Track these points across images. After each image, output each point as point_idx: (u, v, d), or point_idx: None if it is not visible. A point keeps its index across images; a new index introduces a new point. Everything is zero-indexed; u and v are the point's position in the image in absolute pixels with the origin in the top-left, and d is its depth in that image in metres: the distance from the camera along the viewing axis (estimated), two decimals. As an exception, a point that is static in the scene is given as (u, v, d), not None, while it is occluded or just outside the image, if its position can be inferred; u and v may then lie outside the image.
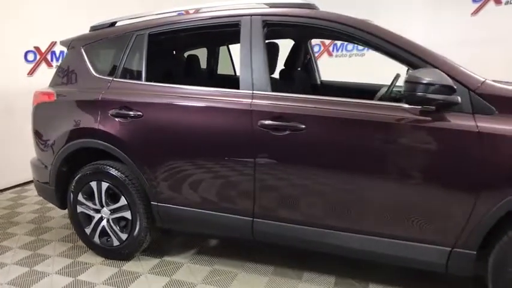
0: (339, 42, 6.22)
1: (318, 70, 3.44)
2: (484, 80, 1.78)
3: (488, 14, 5.09)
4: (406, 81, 1.70)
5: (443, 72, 1.76)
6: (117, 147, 2.42)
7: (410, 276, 2.32)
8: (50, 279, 2.44)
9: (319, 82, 3.46)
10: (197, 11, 2.57)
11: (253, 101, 2.10)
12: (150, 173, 2.36)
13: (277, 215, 2.14)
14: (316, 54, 5.93)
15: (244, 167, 2.13)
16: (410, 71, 1.81)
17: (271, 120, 2.03)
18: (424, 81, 1.66)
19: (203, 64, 3.60)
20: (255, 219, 2.19)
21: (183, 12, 2.60)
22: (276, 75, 2.89)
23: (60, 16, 4.38)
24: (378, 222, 1.95)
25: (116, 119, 2.41)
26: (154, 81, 2.45)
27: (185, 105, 2.27)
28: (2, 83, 4.07)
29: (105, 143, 2.45)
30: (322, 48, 6.40)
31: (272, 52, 2.55)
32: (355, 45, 6.12)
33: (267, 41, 2.51)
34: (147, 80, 2.46)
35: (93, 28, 2.77)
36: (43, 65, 4.48)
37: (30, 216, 3.50)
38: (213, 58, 3.69)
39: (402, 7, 5.59)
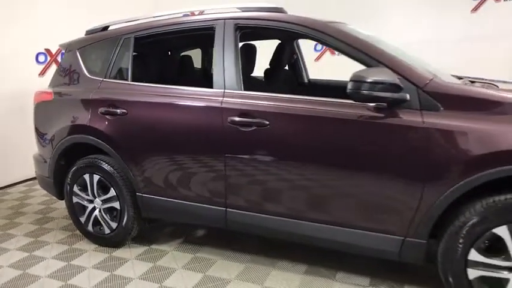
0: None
1: (305, 69, 3.56)
2: (432, 77, 1.88)
3: (488, 10, 5.07)
4: (350, 80, 1.81)
5: (394, 70, 1.88)
6: (105, 143, 2.63)
7: (381, 265, 2.43)
8: (47, 263, 2.68)
9: (306, 81, 3.57)
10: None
11: (224, 99, 2.26)
12: (134, 167, 2.56)
13: (247, 206, 2.29)
14: (318, 53, 6.06)
15: (217, 161, 2.29)
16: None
17: (239, 117, 2.18)
18: (369, 80, 1.77)
19: (197, 64, 3.80)
20: (227, 210, 2.35)
21: (188, 13, 2.75)
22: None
23: (70, 19, 4.64)
24: (336, 212, 2.07)
25: (105, 117, 2.61)
26: (139, 81, 2.64)
27: (163, 103, 2.45)
28: (15, 83, 4.37)
29: (96, 139, 2.66)
30: (324, 47, 6.47)
31: (249, 53, 2.69)
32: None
33: (246, 43, 2.68)
34: (132, 80, 2.66)
35: (88, 32, 2.99)
36: (53, 66, 4.76)
37: (37, 207, 3.77)
38: (206, 58, 3.86)
39: (402, 5, 5.60)
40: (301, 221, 2.16)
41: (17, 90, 4.38)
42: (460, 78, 2.44)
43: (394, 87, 1.80)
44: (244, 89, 2.29)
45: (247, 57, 2.64)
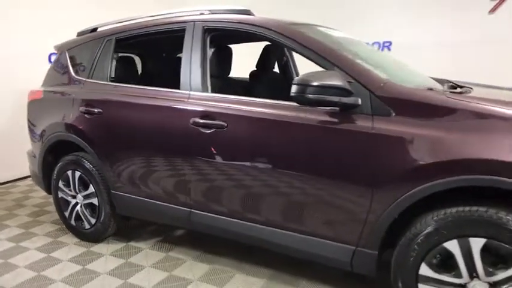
0: (353, 43, 6.16)
1: (296, 71, 3.51)
2: (386, 82, 1.80)
3: (506, 11, 4.79)
4: (294, 84, 1.76)
5: (348, 74, 1.81)
6: (84, 141, 2.72)
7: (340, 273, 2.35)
8: (29, 254, 2.80)
9: (297, 83, 3.51)
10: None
11: (189, 100, 2.27)
12: (108, 165, 2.63)
13: (208, 207, 2.29)
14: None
15: (181, 162, 2.31)
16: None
17: (201, 118, 2.19)
18: (314, 84, 1.72)
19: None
20: (191, 210, 2.36)
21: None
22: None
23: (82, 20, 4.83)
24: (291, 218, 2.03)
25: (85, 116, 2.70)
26: (117, 82, 2.70)
27: (133, 103, 2.50)
28: (27, 82, 4.58)
29: (76, 137, 2.76)
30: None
31: (223, 56, 2.69)
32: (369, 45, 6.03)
33: (220, 45, 2.68)
34: (111, 81, 2.73)
35: (79, 33, 3.10)
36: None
37: (37, 200, 3.95)
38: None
39: (416, 6, 5.41)
40: (257, 225, 2.13)
41: (30, 89, 4.61)
42: (442, 82, 2.33)
43: (343, 92, 1.74)
44: (219, 91, 2.29)
45: (221, 59, 2.64)
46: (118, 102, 2.56)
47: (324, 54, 1.92)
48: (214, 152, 2.17)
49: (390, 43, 5.89)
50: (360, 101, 1.77)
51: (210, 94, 2.25)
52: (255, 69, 3.24)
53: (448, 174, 1.59)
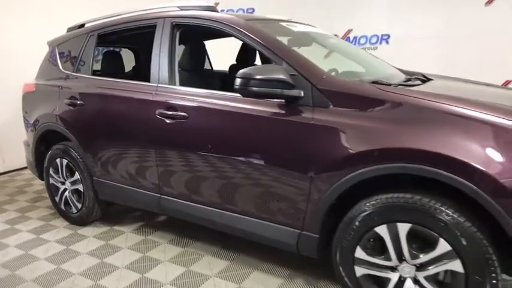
0: (351, 36, 6.17)
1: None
2: (326, 74, 1.90)
3: (502, 3, 4.73)
4: (237, 77, 1.88)
5: (293, 67, 1.92)
6: (69, 131, 2.92)
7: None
8: (19, 236, 3.04)
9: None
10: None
11: (156, 93, 2.42)
12: (90, 153, 2.82)
13: (175, 194, 2.44)
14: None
15: (150, 150, 2.47)
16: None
17: (165, 110, 2.33)
18: (256, 77, 1.83)
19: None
20: (160, 196, 2.52)
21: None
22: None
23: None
24: (244, 203, 2.16)
25: (69, 107, 2.90)
26: (98, 75, 2.88)
27: (108, 95, 2.68)
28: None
29: (62, 127, 2.96)
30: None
31: (196, 50, 2.82)
32: (368, 39, 6.05)
33: (192, 40, 2.82)
34: (92, 74, 2.91)
35: (68, 29, 3.30)
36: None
37: (38, 187, 4.21)
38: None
39: (415, -1, 5.39)
40: (217, 210, 2.27)
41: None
42: (412, 75, 2.42)
43: (285, 84, 1.85)
44: (190, 84, 2.41)
45: (193, 54, 2.77)
46: (95, 94, 2.75)
47: (272, 48, 2.03)
48: (177, 141, 2.32)
49: (388, 36, 5.88)
50: (302, 94, 1.88)
51: (175, 87, 2.40)
52: (235, 63, 3.37)
53: (374, 162, 1.69)
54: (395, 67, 2.96)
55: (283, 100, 1.93)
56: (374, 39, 6.02)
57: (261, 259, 2.52)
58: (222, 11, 6.24)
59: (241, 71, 1.87)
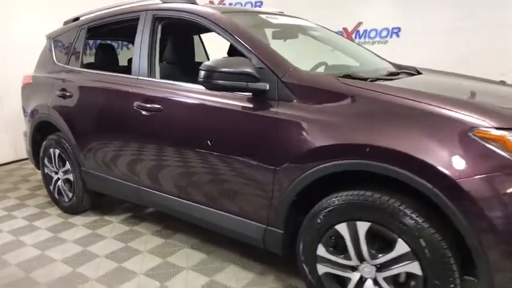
0: (361, 30, 6.02)
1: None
2: (292, 68, 1.85)
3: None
4: (201, 69, 1.85)
5: (260, 59, 1.89)
6: (60, 122, 2.99)
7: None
8: (14, 222, 3.15)
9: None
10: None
11: (135, 85, 2.44)
12: (77, 143, 2.88)
13: (152, 185, 2.47)
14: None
15: (130, 142, 2.50)
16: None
17: (143, 102, 2.35)
18: (220, 70, 1.81)
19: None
20: (140, 187, 2.55)
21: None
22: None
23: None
24: (212, 196, 2.15)
25: (60, 99, 2.96)
26: (87, 68, 2.93)
27: (92, 87, 2.73)
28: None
29: (54, 118, 3.03)
30: (345, 35, 6.25)
31: (181, 44, 2.82)
32: (378, 32, 5.89)
33: (179, 34, 2.82)
34: (82, 67, 2.96)
35: (65, 23, 3.36)
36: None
37: (41, 177, 4.34)
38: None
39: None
40: (189, 202, 2.27)
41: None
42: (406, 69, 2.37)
43: (249, 77, 1.82)
44: (173, 77, 2.39)
45: (178, 47, 2.77)
46: (82, 87, 2.80)
47: (242, 41, 2.00)
48: (153, 133, 2.33)
49: (399, 29, 5.71)
50: (267, 87, 1.84)
51: (153, 79, 2.40)
52: (226, 55, 3.35)
53: (330, 158, 1.64)
54: (388, 61, 2.87)
55: (250, 93, 1.90)
56: (384, 33, 5.87)
57: (239, 254, 2.51)
58: (230, 4, 6.27)
59: (205, 63, 1.85)
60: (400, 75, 2.24)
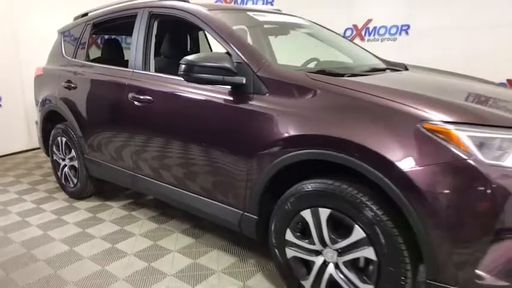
0: (371, 27, 6.02)
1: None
2: (266, 62, 1.96)
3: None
4: (181, 63, 1.97)
5: (239, 54, 2.00)
6: (65, 111, 3.19)
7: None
8: (23, 204, 3.39)
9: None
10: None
11: (131, 77, 2.60)
12: (81, 132, 3.08)
13: (145, 172, 2.62)
14: (348, 38, 5.92)
15: (125, 131, 2.66)
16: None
17: (136, 93, 2.51)
18: (198, 64, 1.93)
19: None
20: (135, 174, 2.72)
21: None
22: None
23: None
24: (194, 182, 2.29)
25: (66, 90, 3.17)
26: (93, 62, 3.12)
27: (93, 79, 2.90)
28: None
29: (61, 108, 3.24)
30: (354, 32, 6.26)
31: (179, 39, 2.97)
32: (387, 29, 5.89)
33: (174, 30, 2.96)
34: (87, 60, 3.16)
35: (75, 18, 3.57)
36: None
37: (54, 163, 4.61)
38: (192, 43, 4.19)
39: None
40: (176, 188, 2.42)
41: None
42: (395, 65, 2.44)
43: (226, 71, 1.94)
44: (168, 71, 2.50)
45: (173, 41, 2.91)
46: (86, 79, 2.99)
47: (223, 36, 2.12)
48: (144, 123, 2.49)
49: (408, 27, 5.68)
50: (244, 81, 1.96)
51: (147, 72, 2.55)
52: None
53: (295, 148, 1.74)
54: (380, 58, 2.93)
55: (229, 87, 2.02)
56: (393, 30, 5.85)
57: (226, 240, 2.64)
58: (242, 2, 6.38)
59: (185, 57, 1.98)
60: (383, 72, 2.31)
